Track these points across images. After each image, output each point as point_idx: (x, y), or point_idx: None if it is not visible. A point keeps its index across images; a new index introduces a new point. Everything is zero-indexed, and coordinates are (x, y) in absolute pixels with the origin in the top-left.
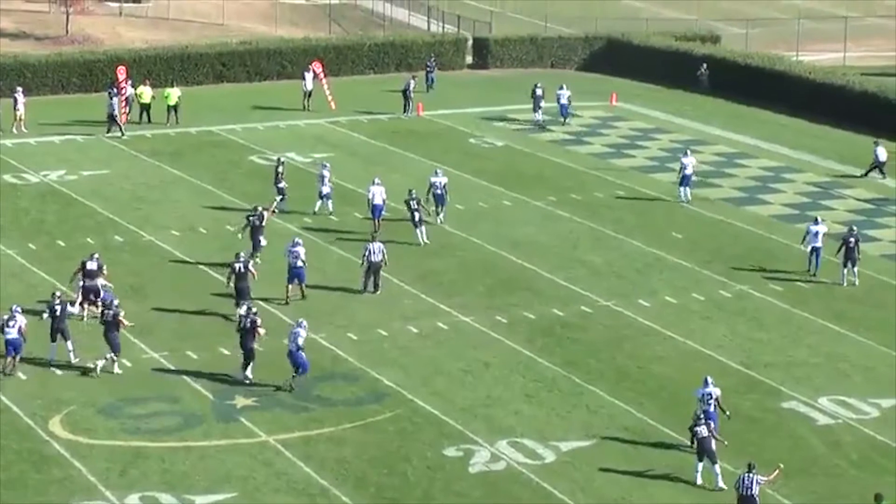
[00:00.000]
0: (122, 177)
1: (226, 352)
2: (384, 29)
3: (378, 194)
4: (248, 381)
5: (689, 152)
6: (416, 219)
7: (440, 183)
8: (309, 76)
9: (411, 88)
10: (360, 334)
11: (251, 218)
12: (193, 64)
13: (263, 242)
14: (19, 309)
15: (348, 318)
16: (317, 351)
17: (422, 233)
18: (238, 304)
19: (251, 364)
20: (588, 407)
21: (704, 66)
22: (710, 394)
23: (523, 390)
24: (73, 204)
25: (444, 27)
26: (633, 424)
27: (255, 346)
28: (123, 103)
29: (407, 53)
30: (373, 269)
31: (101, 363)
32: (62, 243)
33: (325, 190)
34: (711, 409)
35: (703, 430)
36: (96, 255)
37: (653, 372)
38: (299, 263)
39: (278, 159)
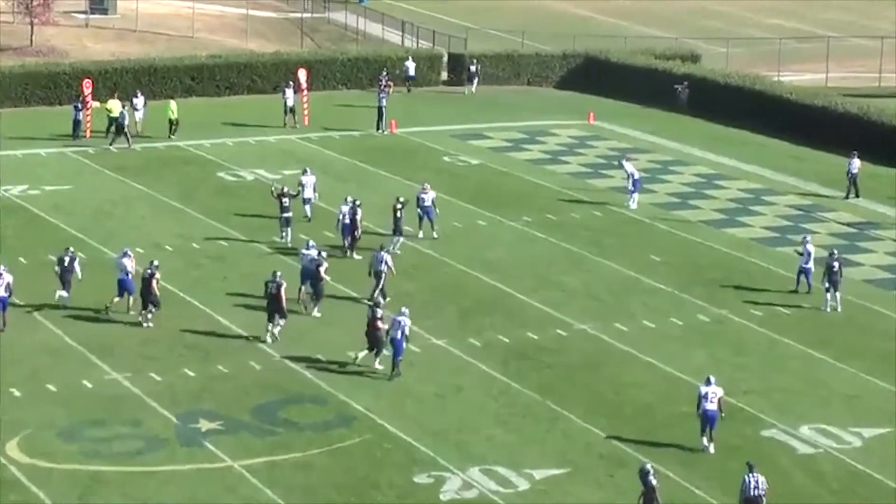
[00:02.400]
0: (86, 192)
1: (190, 373)
2: (357, 43)
3: (350, 214)
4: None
5: (623, 161)
6: (399, 228)
7: (428, 198)
8: (290, 92)
9: (383, 102)
10: (329, 356)
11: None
12: (161, 77)
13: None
14: (5, 268)
15: (317, 340)
16: (284, 373)
17: (397, 242)
18: (268, 324)
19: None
20: (563, 433)
21: (685, 83)
22: (714, 393)
23: (497, 416)
24: (35, 220)
25: (418, 42)
26: (610, 452)
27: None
28: (88, 117)
29: (381, 69)
30: (375, 277)
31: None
32: (23, 260)
33: (308, 194)
34: (714, 407)
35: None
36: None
37: (630, 398)
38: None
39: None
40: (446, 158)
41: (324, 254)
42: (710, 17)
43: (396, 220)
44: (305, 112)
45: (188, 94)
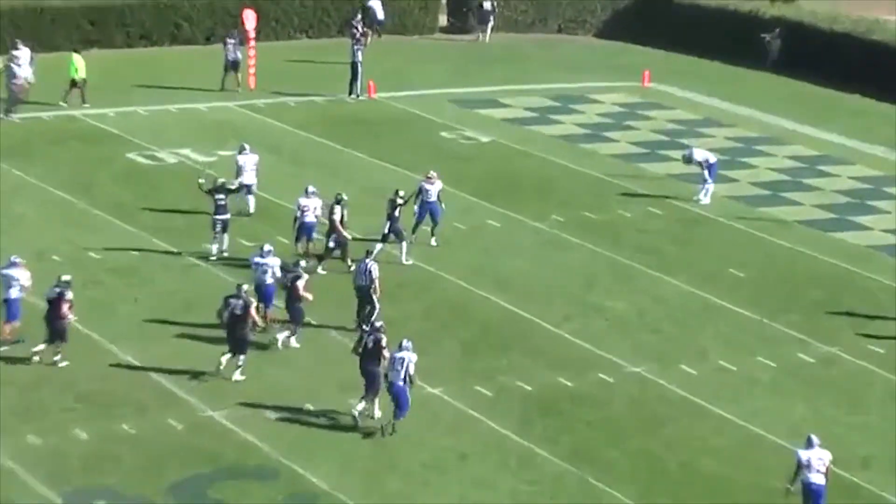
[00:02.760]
0: None
1: (83, 435)
2: None
3: (311, 210)
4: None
5: (688, 153)
6: (395, 230)
7: (434, 191)
8: (232, 42)
9: (358, 57)
10: (280, 411)
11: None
12: (50, 22)
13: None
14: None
15: (263, 386)
16: (216, 435)
17: (403, 249)
18: (229, 352)
19: None
20: None
21: (776, 30)
22: (821, 459)
23: (514, 494)
24: None
25: None
26: None
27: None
28: None
29: (355, 10)
30: (359, 296)
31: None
32: None
33: (248, 179)
34: (821, 480)
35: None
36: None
37: (700, 469)
38: (268, 280)
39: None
40: (445, 134)
41: (302, 263)
42: None
43: (392, 222)
44: (251, 71)
45: (86, 44)
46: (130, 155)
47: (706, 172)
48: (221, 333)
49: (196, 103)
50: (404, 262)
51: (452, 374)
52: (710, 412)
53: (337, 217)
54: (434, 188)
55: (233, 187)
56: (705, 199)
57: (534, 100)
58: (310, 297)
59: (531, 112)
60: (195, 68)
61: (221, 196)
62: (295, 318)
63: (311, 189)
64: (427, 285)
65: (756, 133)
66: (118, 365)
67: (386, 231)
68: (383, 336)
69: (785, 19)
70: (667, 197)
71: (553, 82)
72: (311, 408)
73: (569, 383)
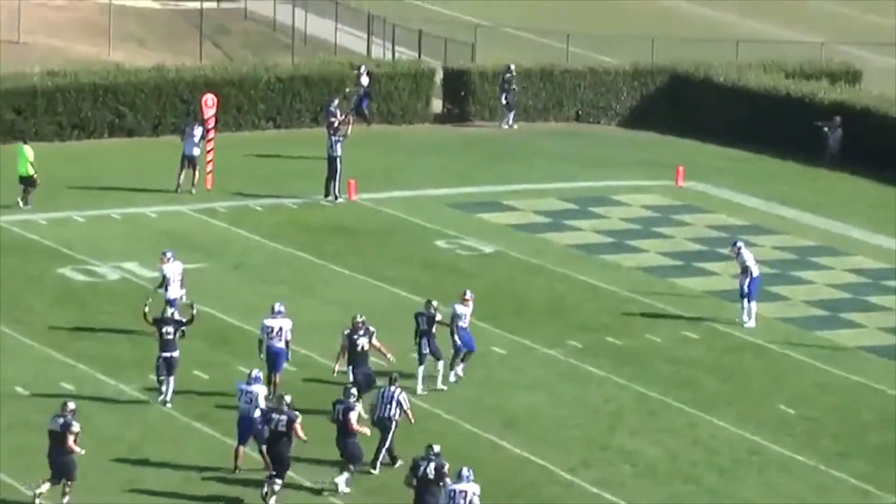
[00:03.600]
0: None
1: None
2: (294, 52)
3: (278, 333)
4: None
5: (739, 246)
6: (433, 348)
7: (467, 315)
8: (197, 132)
9: (338, 150)
10: None
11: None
12: None
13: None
14: None
15: None
16: None
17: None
18: (268, 479)
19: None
20: None
21: (836, 118)
22: None
23: None
24: None
25: (394, 50)
26: None
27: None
28: None
29: (333, 94)
30: (381, 429)
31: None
32: None
33: (174, 293)
34: None
35: None
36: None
37: None
38: (254, 413)
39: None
40: (441, 243)
41: (287, 398)
42: (879, 11)
43: (430, 339)
44: (209, 168)
45: (9, 136)
46: (63, 270)
47: (745, 281)
48: (183, 485)
49: (142, 207)
50: (440, 387)
51: None
52: None
53: (364, 344)
54: (469, 312)
55: (186, 319)
56: (750, 322)
57: (547, 202)
58: (304, 438)
59: (543, 217)
60: (141, 165)
61: (169, 329)
62: (352, 456)
63: (277, 307)
64: (421, 424)
65: (812, 242)
66: None
67: (425, 351)
68: (445, 463)
69: (847, 104)
70: (705, 319)
71: (570, 181)
72: None
73: None
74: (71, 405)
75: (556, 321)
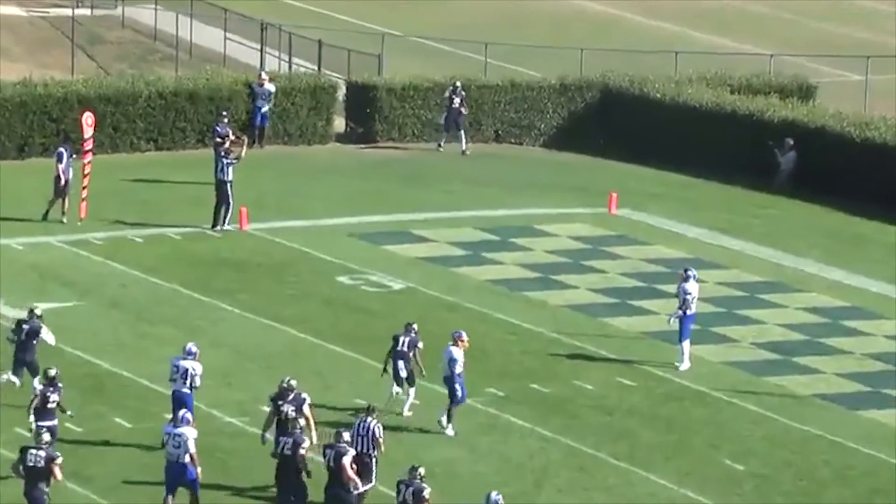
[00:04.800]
0: None
1: None
2: (178, 65)
3: (183, 376)
4: None
5: (691, 275)
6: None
7: (460, 358)
8: (66, 154)
9: (228, 174)
10: None
11: None
12: None
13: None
14: None
15: None
16: None
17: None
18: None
19: None
20: None
21: (788, 140)
22: None
23: None
24: None
25: (290, 61)
26: None
27: None
28: None
29: (221, 111)
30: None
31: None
32: None
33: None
34: None
35: None
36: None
37: None
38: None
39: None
40: (344, 279)
41: (301, 421)
42: (834, 19)
43: (405, 367)
44: (83, 195)
45: None
46: None
47: (679, 312)
48: None
49: (6, 238)
50: (406, 413)
51: None
52: None
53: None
54: (459, 354)
55: (57, 386)
56: (683, 364)
57: (463, 232)
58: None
59: (459, 248)
60: (4, 190)
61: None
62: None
63: (188, 347)
64: (319, 482)
65: (761, 277)
66: None
67: (403, 374)
68: (425, 487)
69: (800, 123)
70: (641, 363)
71: (489, 208)
72: None
73: None
74: (46, 437)
75: (474, 366)
